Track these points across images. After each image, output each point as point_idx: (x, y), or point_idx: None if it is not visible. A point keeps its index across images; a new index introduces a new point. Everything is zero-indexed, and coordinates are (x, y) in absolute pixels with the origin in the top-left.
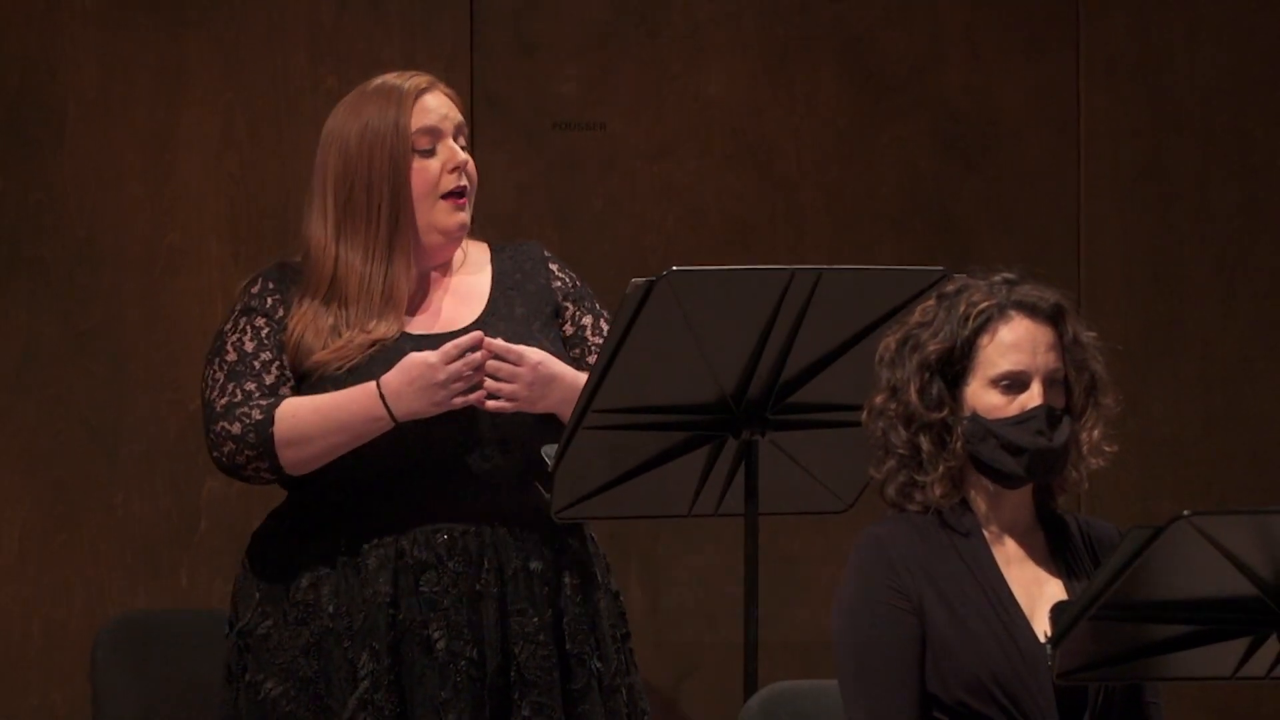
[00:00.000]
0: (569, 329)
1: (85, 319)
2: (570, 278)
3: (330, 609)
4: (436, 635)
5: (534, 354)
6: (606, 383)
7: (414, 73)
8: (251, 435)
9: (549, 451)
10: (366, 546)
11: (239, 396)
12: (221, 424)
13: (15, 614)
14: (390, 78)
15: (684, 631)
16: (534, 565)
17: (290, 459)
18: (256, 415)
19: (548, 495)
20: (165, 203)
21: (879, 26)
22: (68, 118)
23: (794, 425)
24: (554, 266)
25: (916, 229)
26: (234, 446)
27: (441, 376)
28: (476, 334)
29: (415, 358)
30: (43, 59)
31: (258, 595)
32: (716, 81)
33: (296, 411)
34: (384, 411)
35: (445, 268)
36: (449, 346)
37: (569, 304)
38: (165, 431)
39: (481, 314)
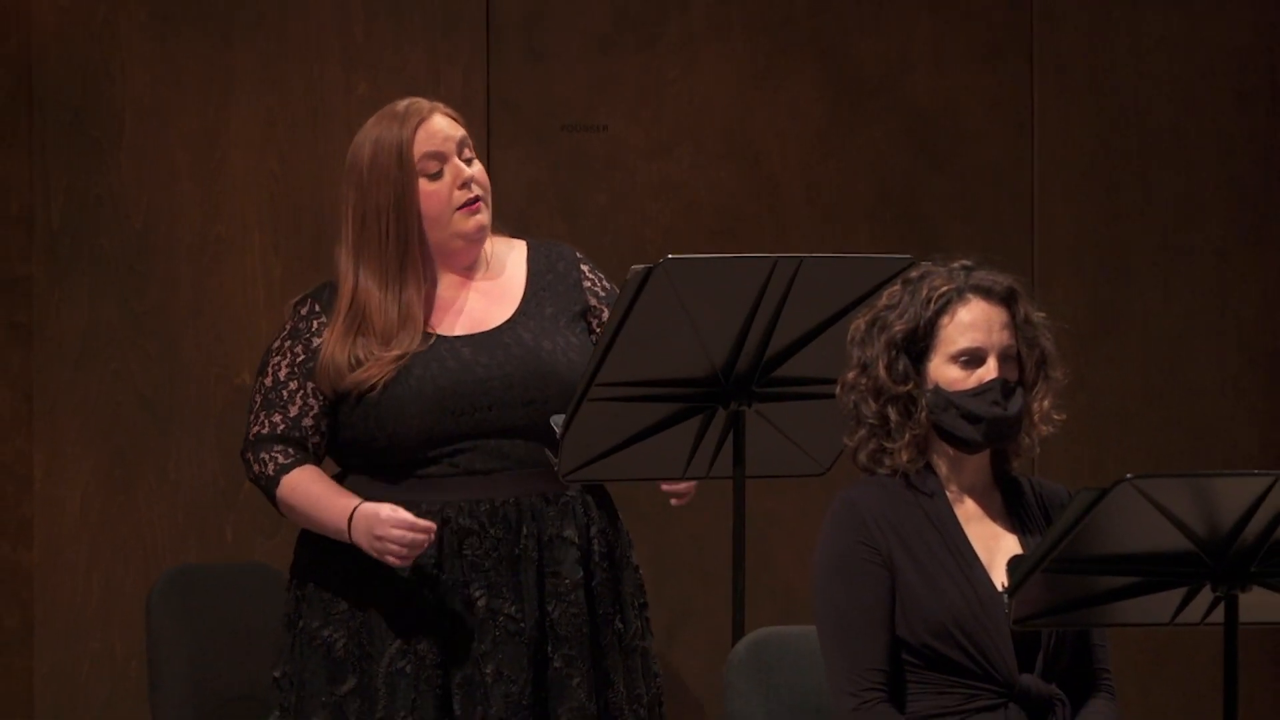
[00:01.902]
0: None
1: (141, 302)
2: (601, 280)
3: (377, 567)
4: (478, 594)
5: None
6: (609, 359)
7: (417, 100)
8: (263, 482)
9: (557, 420)
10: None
11: (267, 429)
12: (249, 454)
13: (79, 569)
14: (397, 107)
15: (678, 583)
16: (567, 533)
17: (284, 513)
18: (271, 470)
19: (555, 459)
20: (213, 197)
21: (854, 38)
22: (125, 121)
23: (777, 397)
24: (585, 268)
25: (888, 220)
26: (253, 477)
27: (379, 531)
28: (432, 526)
29: (385, 507)
30: (103, 68)
31: (314, 552)
32: (709, 87)
33: (296, 487)
34: (346, 529)
35: (476, 269)
36: (408, 520)
37: (604, 308)
38: (212, 404)
39: (513, 314)
